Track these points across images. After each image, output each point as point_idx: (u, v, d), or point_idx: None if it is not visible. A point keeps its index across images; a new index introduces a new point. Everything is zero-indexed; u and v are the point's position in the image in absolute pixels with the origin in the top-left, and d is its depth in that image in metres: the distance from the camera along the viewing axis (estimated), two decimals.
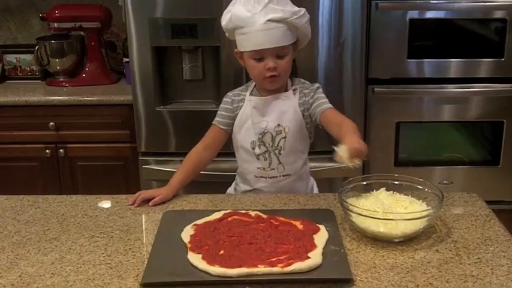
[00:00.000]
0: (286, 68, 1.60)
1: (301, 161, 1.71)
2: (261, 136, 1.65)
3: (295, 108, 1.64)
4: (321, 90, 1.68)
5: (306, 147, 1.73)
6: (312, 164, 2.41)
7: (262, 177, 1.68)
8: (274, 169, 1.67)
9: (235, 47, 1.66)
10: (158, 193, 1.55)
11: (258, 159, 1.67)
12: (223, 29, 1.63)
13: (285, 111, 1.64)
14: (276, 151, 1.65)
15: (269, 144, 1.65)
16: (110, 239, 1.35)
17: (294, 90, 1.66)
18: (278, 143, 1.65)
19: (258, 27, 1.53)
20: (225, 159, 2.21)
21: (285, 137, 1.64)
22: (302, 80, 1.71)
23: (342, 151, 1.34)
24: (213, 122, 1.72)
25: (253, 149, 1.67)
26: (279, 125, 1.64)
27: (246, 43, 1.57)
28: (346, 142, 1.35)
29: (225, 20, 1.60)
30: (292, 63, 1.67)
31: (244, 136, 1.68)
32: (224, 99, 1.72)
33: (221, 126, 1.70)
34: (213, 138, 1.71)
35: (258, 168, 1.68)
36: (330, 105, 1.64)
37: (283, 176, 1.67)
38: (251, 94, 1.68)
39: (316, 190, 1.83)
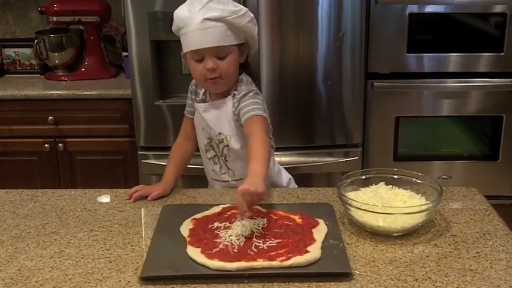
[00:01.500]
0: (227, 70, 1.52)
1: None
2: (209, 141, 1.63)
3: (230, 116, 1.57)
4: (250, 95, 1.54)
5: None
6: (311, 159, 2.44)
7: (216, 180, 1.67)
8: (224, 173, 1.64)
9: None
10: (156, 189, 1.55)
11: (209, 162, 1.66)
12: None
13: (223, 118, 1.58)
14: (223, 157, 1.62)
15: (216, 149, 1.62)
16: (109, 233, 1.35)
17: (233, 95, 1.57)
18: (222, 150, 1.61)
19: (195, 27, 1.46)
20: None
21: (227, 145, 1.60)
22: (246, 81, 1.58)
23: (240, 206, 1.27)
24: (184, 112, 1.70)
25: (206, 151, 1.65)
26: (220, 133, 1.59)
27: (185, 43, 1.51)
28: (237, 191, 1.26)
29: (173, 26, 1.55)
30: (246, 68, 1.62)
31: (199, 137, 1.67)
32: (188, 92, 1.68)
33: (190, 116, 1.68)
34: (189, 128, 1.69)
35: (212, 170, 1.67)
36: (256, 112, 1.50)
37: (235, 180, 1.62)
38: (200, 99, 1.63)
39: (293, 186, 1.77)
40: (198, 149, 1.71)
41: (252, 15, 1.54)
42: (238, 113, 1.54)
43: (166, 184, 1.58)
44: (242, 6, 1.52)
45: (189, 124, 1.70)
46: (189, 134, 1.70)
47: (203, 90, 1.63)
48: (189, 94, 1.69)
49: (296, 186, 1.77)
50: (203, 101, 1.63)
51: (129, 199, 1.52)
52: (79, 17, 2.72)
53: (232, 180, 1.64)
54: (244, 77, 1.60)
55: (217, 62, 1.51)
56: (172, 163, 1.68)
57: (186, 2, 1.53)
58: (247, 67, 1.65)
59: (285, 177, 1.76)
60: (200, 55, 1.51)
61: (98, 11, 2.73)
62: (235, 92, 1.57)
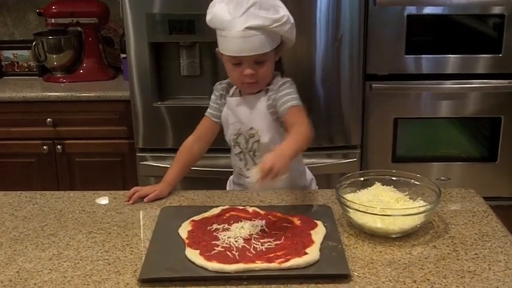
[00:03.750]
0: (265, 75, 1.55)
1: None
2: (235, 137, 1.63)
3: (264, 111, 1.58)
4: (287, 85, 1.57)
5: None
6: (310, 160, 2.43)
7: (241, 174, 1.68)
8: (249, 169, 1.62)
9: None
10: (153, 190, 1.55)
11: (236, 158, 1.66)
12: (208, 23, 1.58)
13: (256, 113, 1.59)
14: (251, 153, 1.62)
15: (243, 146, 1.63)
16: (108, 235, 1.35)
17: (266, 91, 1.59)
18: (252, 145, 1.61)
19: (236, 34, 1.47)
20: (222, 156, 2.21)
21: (258, 140, 1.60)
22: (279, 77, 1.61)
23: (254, 170, 1.28)
24: (205, 114, 1.69)
25: (234, 147, 1.66)
26: (251, 128, 1.60)
27: (224, 46, 1.53)
28: (261, 161, 1.29)
29: (208, 18, 1.55)
30: (278, 63, 1.63)
31: (228, 133, 1.67)
32: (214, 91, 1.69)
33: (213, 119, 1.67)
34: (204, 130, 1.68)
35: (238, 167, 1.68)
36: (293, 102, 1.53)
37: None
38: (232, 94, 1.64)
39: (314, 187, 1.81)
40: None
41: (292, 20, 1.54)
42: (275, 105, 1.56)
43: (165, 186, 1.58)
44: (284, 12, 1.51)
45: (207, 126, 1.68)
46: (202, 136, 1.69)
47: (234, 88, 1.64)
48: (214, 96, 1.67)
49: (317, 187, 1.79)
50: (238, 94, 1.64)
51: (128, 201, 1.52)
52: (77, 18, 2.71)
53: None
54: (275, 73, 1.61)
55: (255, 68, 1.52)
56: (175, 164, 1.67)
57: (223, 0, 1.51)
58: (280, 61, 1.66)
59: (308, 177, 1.78)
60: (238, 60, 1.52)
61: (96, 12, 2.73)
62: (269, 87, 1.58)
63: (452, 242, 1.29)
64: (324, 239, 1.27)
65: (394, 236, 1.30)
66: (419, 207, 1.32)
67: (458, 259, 1.22)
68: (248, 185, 1.62)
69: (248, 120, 1.60)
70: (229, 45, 1.51)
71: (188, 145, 1.69)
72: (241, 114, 1.61)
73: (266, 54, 1.52)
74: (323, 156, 2.44)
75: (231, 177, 1.81)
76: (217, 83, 1.71)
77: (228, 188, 1.80)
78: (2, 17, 3.01)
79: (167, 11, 2.30)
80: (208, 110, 1.69)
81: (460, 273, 1.16)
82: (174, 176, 1.62)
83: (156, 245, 1.26)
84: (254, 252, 1.20)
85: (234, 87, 1.65)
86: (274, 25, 1.49)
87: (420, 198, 1.39)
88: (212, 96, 1.69)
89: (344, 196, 1.36)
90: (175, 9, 2.30)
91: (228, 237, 1.25)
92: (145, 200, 1.52)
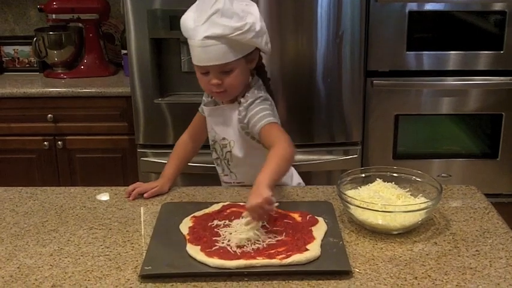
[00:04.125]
0: (232, 84, 1.48)
1: (257, 170, 1.35)
2: (213, 143, 1.64)
3: (235, 124, 1.54)
4: (257, 103, 1.49)
5: (263, 159, 1.41)
6: (311, 157, 2.43)
7: (221, 180, 1.69)
8: (227, 175, 1.64)
9: None
10: (153, 186, 1.54)
11: (214, 162, 1.67)
12: None
13: (228, 124, 1.56)
14: (225, 161, 1.62)
15: (219, 153, 1.62)
16: (109, 230, 1.35)
17: (239, 102, 1.53)
18: (225, 155, 1.61)
19: (197, 43, 1.43)
20: None
21: (230, 151, 1.58)
22: (256, 89, 1.54)
23: (245, 216, 1.26)
24: (198, 109, 1.69)
25: (212, 152, 1.66)
26: (224, 138, 1.58)
27: (192, 54, 1.49)
28: (246, 206, 1.24)
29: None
30: (260, 69, 1.59)
31: (209, 137, 1.66)
32: None
33: (203, 114, 1.66)
34: (197, 125, 1.68)
35: (218, 171, 1.68)
36: (265, 120, 1.46)
37: (237, 183, 1.63)
38: (211, 100, 1.61)
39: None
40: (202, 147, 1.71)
41: (257, 27, 1.45)
42: (247, 123, 1.51)
43: (164, 182, 1.58)
44: (248, 19, 1.43)
45: (199, 121, 1.68)
46: (196, 131, 1.69)
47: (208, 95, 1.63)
48: (205, 93, 1.66)
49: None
50: (214, 102, 1.61)
51: (128, 197, 1.52)
52: (78, 14, 2.71)
53: (234, 183, 1.64)
54: (253, 81, 1.56)
55: (221, 77, 1.47)
56: (172, 161, 1.67)
57: (194, 6, 1.48)
58: (261, 68, 1.61)
59: (295, 181, 1.73)
60: (204, 69, 1.48)
61: (97, 8, 2.73)
62: (242, 100, 1.52)
63: (453, 238, 1.29)
64: (325, 235, 1.27)
65: (395, 233, 1.30)
66: (421, 203, 1.32)
67: (459, 256, 1.22)
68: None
69: (220, 130, 1.58)
70: (194, 53, 1.47)
71: (183, 140, 1.69)
72: (214, 124, 1.60)
73: (231, 63, 1.45)
74: (324, 152, 2.44)
75: None
76: None
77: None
78: (3, 12, 3.00)
79: (168, 7, 2.29)
80: (201, 105, 1.68)
81: (461, 270, 1.16)
82: (172, 171, 1.62)
83: (157, 241, 1.26)
84: (255, 248, 1.20)
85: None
86: (235, 33, 1.41)
87: (421, 194, 1.39)
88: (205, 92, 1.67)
89: (345, 192, 1.35)
90: (176, 5, 2.29)
91: (229, 233, 1.25)
92: (145, 195, 1.52)
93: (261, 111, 1.49)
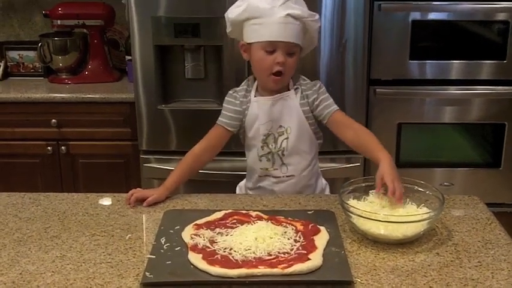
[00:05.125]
0: (292, 67, 1.60)
1: (306, 162, 1.69)
2: (264, 137, 1.65)
3: (296, 109, 1.64)
4: (323, 89, 1.66)
5: (312, 149, 1.71)
6: None
7: (266, 175, 1.68)
8: (277, 169, 1.67)
9: (238, 45, 1.65)
10: (151, 193, 1.55)
11: (261, 160, 1.67)
12: (230, 21, 1.61)
13: (287, 111, 1.64)
14: (279, 152, 1.65)
15: (272, 145, 1.65)
16: (111, 237, 1.35)
17: (295, 89, 1.65)
18: (281, 144, 1.64)
19: (277, 20, 1.53)
20: (227, 159, 2.23)
21: (287, 138, 1.64)
22: (303, 77, 1.69)
23: (383, 200, 1.37)
24: (217, 122, 1.68)
25: (262, 148, 1.66)
26: (281, 126, 1.64)
27: (261, 33, 1.56)
28: (389, 190, 1.36)
29: (237, 11, 1.58)
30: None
31: (252, 136, 1.67)
32: (229, 99, 1.68)
33: (228, 128, 1.66)
34: (215, 139, 1.68)
35: (260, 168, 1.68)
36: (335, 106, 1.65)
37: (287, 176, 1.67)
38: (256, 95, 1.66)
39: (327, 193, 1.81)
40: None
41: (320, 23, 1.65)
42: (318, 104, 1.63)
43: (163, 190, 1.57)
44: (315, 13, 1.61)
45: (218, 134, 1.67)
46: (212, 144, 1.68)
47: (253, 91, 1.65)
48: (231, 104, 1.66)
49: (329, 193, 1.80)
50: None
51: (129, 204, 1.52)
52: (83, 20, 2.72)
53: (283, 176, 1.67)
54: (295, 76, 1.67)
55: (286, 58, 1.57)
56: (178, 170, 1.65)
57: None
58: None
59: (323, 182, 1.81)
60: (273, 47, 1.56)
61: (102, 15, 2.74)
62: (298, 85, 1.65)
63: (455, 249, 1.29)
64: (327, 244, 1.27)
65: (397, 243, 1.30)
66: (423, 214, 1.32)
67: (461, 267, 1.22)
68: (279, 189, 1.68)
69: (278, 118, 1.64)
70: (268, 30, 1.55)
71: (195, 153, 1.67)
72: (270, 114, 1.63)
73: (297, 46, 1.58)
74: (326, 160, 2.44)
75: (242, 182, 1.81)
76: (231, 91, 1.70)
77: (238, 193, 1.81)
78: (9, 18, 3.02)
79: (172, 14, 2.31)
80: (222, 118, 1.67)
81: (463, 281, 1.16)
82: (174, 181, 1.62)
83: (159, 249, 1.26)
84: (257, 257, 1.20)
85: (253, 91, 1.65)
86: (310, 19, 1.58)
87: (423, 204, 1.39)
88: (228, 106, 1.67)
89: (347, 202, 1.36)
90: (181, 13, 2.31)
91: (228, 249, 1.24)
92: (144, 204, 1.52)
93: (329, 97, 1.66)
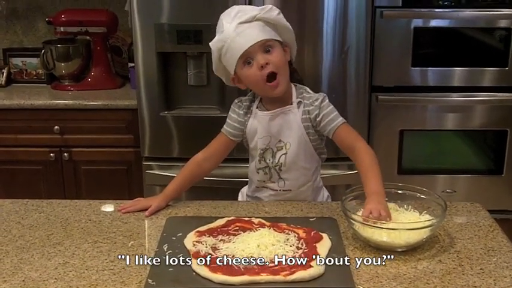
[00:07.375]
0: (278, 62, 1.53)
1: (305, 177, 1.64)
2: (262, 152, 1.62)
3: (298, 124, 1.59)
4: (326, 102, 1.59)
5: (313, 164, 1.66)
6: None
7: (263, 187, 1.66)
8: (274, 182, 1.63)
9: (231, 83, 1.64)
10: (151, 203, 1.54)
11: (258, 172, 1.65)
12: (214, 56, 1.58)
13: (287, 126, 1.59)
14: (277, 167, 1.61)
15: (269, 160, 1.61)
16: (113, 244, 1.36)
17: (298, 103, 1.60)
18: (279, 159, 1.60)
19: (233, 34, 1.51)
20: (229, 165, 2.22)
21: (285, 153, 1.60)
22: (307, 89, 1.64)
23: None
24: (222, 130, 1.66)
25: (259, 161, 1.64)
26: (280, 140, 1.60)
27: (232, 57, 1.53)
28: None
29: (215, 41, 1.56)
30: (294, 72, 1.64)
31: (252, 147, 1.65)
32: (234, 108, 1.66)
33: (231, 137, 1.64)
34: (219, 147, 1.66)
35: (258, 180, 1.66)
36: (340, 119, 1.58)
37: (284, 190, 1.63)
38: (257, 107, 1.63)
39: None
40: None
41: (278, 9, 1.57)
42: (320, 120, 1.57)
43: (162, 199, 1.57)
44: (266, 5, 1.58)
45: (222, 143, 1.66)
46: (215, 153, 1.66)
47: (257, 103, 1.63)
48: (235, 113, 1.64)
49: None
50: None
51: (124, 211, 1.53)
52: (86, 27, 2.74)
53: (280, 190, 1.64)
54: (298, 87, 1.63)
55: (265, 57, 1.52)
56: (179, 178, 1.64)
57: (216, 34, 1.56)
58: (294, 73, 1.67)
59: (325, 195, 1.77)
60: (247, 56, 1.52)
61: (105, 22, 2.75)
62: (301, 98, 1.60)
63: (457, 256, 1.29)
64: (329, 251, 1.27)
65: (399, 250, 1.30)
66: (425, 221, 1.32)
67: (463, 274, 1.21)
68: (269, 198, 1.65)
69: (277, 133, 1.60)
70: (234, 49, 1.52)
71: (197, 161, 1.66)
72: (269, 128, 1.60)
73: (269, 41, 1.53)
74: (328, 167, 2.44)
75: (244, 188, 1.80)
76: (236, 100, 1.68)
77: (240, 199, 1.80)
78: (12, 24, 3.03)
79: (175, 21, 2.32)
80: (226, 127, 1.66)
81: None
82: (174, 190, 1.61)
83: (161, 256, 1.27)
84: (259, 264, 1.20)
85: (256, 103, 1.63)
86: (261, 13, 1.53)
87: (426, 211, 1.39)
88: (232, 115, 1.65)
89: (349, 209, 1.36)
90: (183, 20, 2.32)
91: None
92: (146, 213, 1.52)
93: (333, 111, 1.59)
